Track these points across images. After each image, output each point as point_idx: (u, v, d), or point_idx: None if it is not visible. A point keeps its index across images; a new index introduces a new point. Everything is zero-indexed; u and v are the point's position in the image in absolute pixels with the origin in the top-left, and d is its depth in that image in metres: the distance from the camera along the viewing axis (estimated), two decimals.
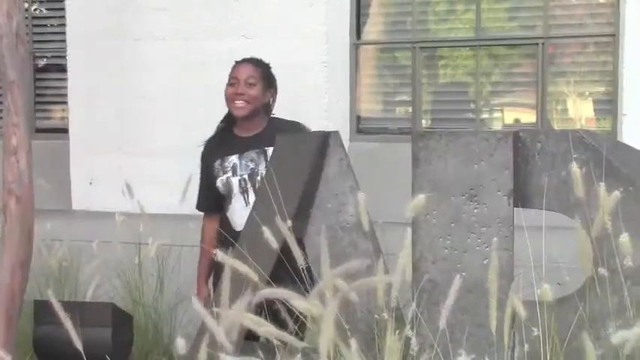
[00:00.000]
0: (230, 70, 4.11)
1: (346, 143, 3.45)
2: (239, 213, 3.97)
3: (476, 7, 6.60)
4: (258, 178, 3.96)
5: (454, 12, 6.79)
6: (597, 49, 6.46)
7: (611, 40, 6.30)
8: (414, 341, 2.59)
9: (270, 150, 3.98)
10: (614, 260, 2.73)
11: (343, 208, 3.33)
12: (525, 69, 6.66)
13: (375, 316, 2.97)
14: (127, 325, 4.42)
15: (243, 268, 2.77)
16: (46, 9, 7.98)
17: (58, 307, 2.66)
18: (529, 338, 2.71)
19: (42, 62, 8.03)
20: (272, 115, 4.18)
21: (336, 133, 3.41)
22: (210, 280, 4.19)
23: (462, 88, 6.85)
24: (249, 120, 4.05)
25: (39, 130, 7.61)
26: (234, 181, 3.97)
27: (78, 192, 7.09)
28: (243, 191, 3.97)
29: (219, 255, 2.84)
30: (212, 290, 4.11)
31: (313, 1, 6.46)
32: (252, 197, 3.96)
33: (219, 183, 4.00)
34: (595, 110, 6.54)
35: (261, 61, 4.18)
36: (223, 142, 4.10)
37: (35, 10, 7.95)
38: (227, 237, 3.81)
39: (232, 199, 4.00)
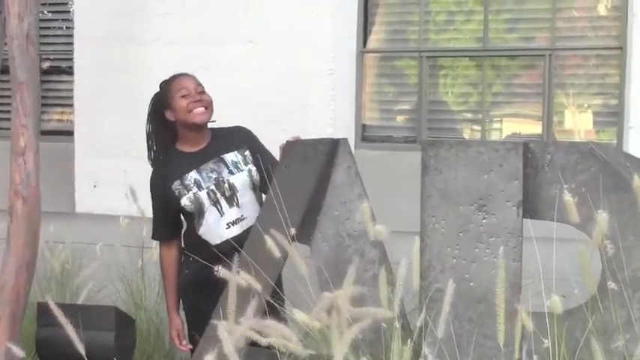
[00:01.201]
0: (168, 86, 4.04)
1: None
2: (215, 225, 3.91)
3: (483, 18, 6.62)
4: (226, 185, 3.92)
5: (460, 22, 6.80)
6: (604, 62, 6.46)
7: (618, 53, 6.30)
8: (424, 350, 2.59)
9: (226, 155, 3.98)
10: (622, 273, 2.72)
11: (351, 215, 3.32)
12: (531, 80, 6.66)
13: (383, 325, 2.97)
14: (129, 329, 4.40)
15: (248, 280, 2.78)
16: (51, 11, 7.98)
17: (57, 312, 2.67)
18: (538, 349, 2.70)
19: (47, 64, 8.03)
20: (211, 128, 4.13)
21: (345, 140, 3.41)
22: (181, 307, 4.17)
23: (468, 98, 6.85)
24: (203, 130, 4.00)
25: (44, 132, 7.60)
26: (202, 194, 3.88)
27: (82, 194, 7.09)
28: (215, 202, 3.89)
29: (222, 272, 2.83)
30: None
31: (320, 9, 6.47)
32: (225, 206, 3.91)
33: (185, 201, 3.89)
34: (601, 122, 6.54)
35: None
36: (173, 163, 3.99)
37: (41, 12, 7.95)
38: (209, 254, 3.83)
39: (205, 214, 3.90)
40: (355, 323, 2.53)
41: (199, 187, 3.88)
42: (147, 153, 4.12)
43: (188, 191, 3.89)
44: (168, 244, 4.11)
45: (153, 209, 4.11)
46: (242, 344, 2.57)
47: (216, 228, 3.92)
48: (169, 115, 3.98)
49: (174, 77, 4.05)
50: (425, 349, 2.62)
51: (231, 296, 2.66)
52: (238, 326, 2.54)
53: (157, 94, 4.09)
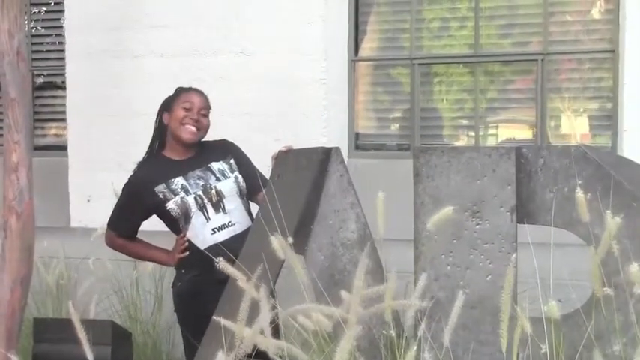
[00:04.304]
0: (179, 94, 4.09)
1: (344, 159, 3.45)
2: (201, 230, 3.96)
3: (474, 24, 6.62)
4: (213, 191, 3.96)
5: (452, 28, 6.80)
6: (597, 65, 6.46)
7: (610, 56, 6.31)
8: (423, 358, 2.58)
9: (213, 164, 4.03)
10: (618, 277, 2.71)
11: (344, 224, 3.32)
12: (524, 85, 6.66)
13: (383, 332, 2.96)
14: (126, 342, 4.39)
15: (254, 287, 2.76)
16: (44, 27, 7.99)
17: (63, 325, 2.67)
18: (535, 355, 2.69)
19: (40, 80, 8.03)
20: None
21: (337, 149, 3.41)
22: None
23: (461, 105, 6.85)
24: (190, 147, 4.06)
25: (37, 148, 7.60)
26: (190, 199, 3.92)
27: (76, 209, 7.07)
28: (201, 207, 3.94)
29: (222, 264, 2.82)
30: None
31: (312, 18, 6.47)
32: (211, 212, 3.96)
33: (172, 205, 3.93)
34: (595, 126, 6.54)
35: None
36: (160, 166, 4.05)
37: (33, 28, 7.96)
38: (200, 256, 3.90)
39: (192, 219, 3.95)
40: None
41: (187, 192, 3.93)
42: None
43: (175, 195, 3.93)
44: (123, 237, 4.17)
45: (119, 206, 4.15)
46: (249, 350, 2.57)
47: (202, 233, 3.96)
48: (166, 118, 4.08)
49: (189, 89, 4.14)
50: (422, 357, 2.61)
51: (244, 303, 2.64)
52: (249, 332, 2.54)
53: (172, 96, 4.12)
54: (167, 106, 4.09)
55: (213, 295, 3.57)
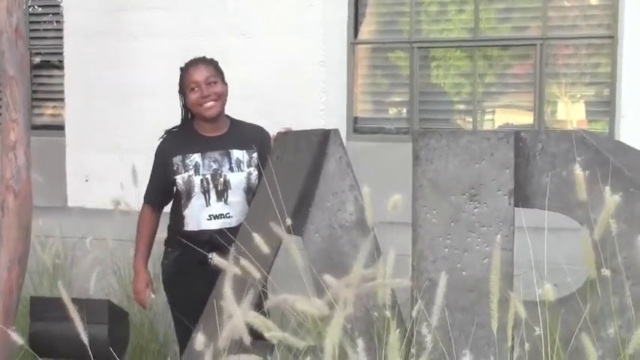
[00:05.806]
0: (183, 76, 4.06)
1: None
2: (198, 213, 3.97)
3: (474, 8, 6.61)
4: (222, 179, 3.95)
5: (452, 12, 6.79)
6: (595, 51, 6.46)
7: (609, 42, 6.31)
8: (415, 340, 2.59)
9: (234, 151, 3.99)
10: (615, 260, 2.72)
11: (342, 206, 3.31)
12: (522, 70, 6.66)
13: (375, 314, 2.97)
14: (123, 321, 4.39)
15: (244, 269, 2.78)
16: (41, 6, 7.97)
17: (60, 304, 2.67)
18: (530, 338, 2.70)
19: (38, 59, 8.02)
20: (232, 118, 4.15)
21: (336, 131, 3.40)
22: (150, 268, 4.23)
23: (460, 89, 6.85)
24: (216, 120, 4.02)
25: (35, 127, 7.60)
26: (196, 180, 3.93)
27: (73, 189, 7.08)
28: (205, 191, 3.92)
29: (216, 258, 2.83)
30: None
31: (312, 1, 6.46)
32: (213, 198, 3.95)
33: (179, 180, 3.94)
34: (592, 112, 6.54)
35: (209, 58, 4.14)
36: (185, 138, 4.05)
37: (30, 7, 7.94)
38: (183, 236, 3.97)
39: (192, 198, 3.96)
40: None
41: (197, 172, 3.92)
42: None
43: (185, 171, 3.93)
44: (153, 207, 4.18)
45: (151, 172, 4.16)
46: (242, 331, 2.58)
47: (198, 215, 3.97)
48: (187, 103, 4.06)
49: (187, 67, 4.08)
50: (416, 339, 2.62)
51: (227, 286, 2.65)
52: (239, 314, 2.55)
53: (179, 78, 4.12)
54: (181, 90, 4.08)
55: (195, 276, 3.65)
